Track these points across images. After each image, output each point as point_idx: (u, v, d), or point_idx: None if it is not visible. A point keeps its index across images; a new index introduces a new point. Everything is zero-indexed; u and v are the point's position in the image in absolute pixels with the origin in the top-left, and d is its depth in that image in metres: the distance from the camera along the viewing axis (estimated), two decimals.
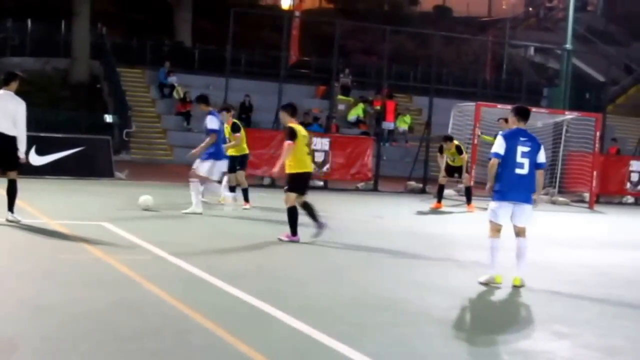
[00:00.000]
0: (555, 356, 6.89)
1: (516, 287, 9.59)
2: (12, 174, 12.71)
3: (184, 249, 10.95)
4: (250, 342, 6.56)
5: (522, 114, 10.13)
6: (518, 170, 9.75)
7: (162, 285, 8.45)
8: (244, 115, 32.69)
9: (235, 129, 16.56)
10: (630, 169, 26.96)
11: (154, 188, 15.47)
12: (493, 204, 9.92)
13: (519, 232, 9.97)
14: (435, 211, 19.76)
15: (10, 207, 12.52)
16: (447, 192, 24.03)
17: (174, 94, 33.45)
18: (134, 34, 37.78)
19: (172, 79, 33.72)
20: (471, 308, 8.52)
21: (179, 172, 23.77)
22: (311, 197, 20.47)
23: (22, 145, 12.61)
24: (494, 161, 9.86)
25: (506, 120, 20.98)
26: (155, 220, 13.75)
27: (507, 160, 9.76)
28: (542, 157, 10.00)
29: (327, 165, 24.08)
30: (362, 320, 7.66)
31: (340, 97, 35.10)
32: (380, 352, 6.54)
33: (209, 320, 7.15)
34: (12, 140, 12.50)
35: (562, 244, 14.86)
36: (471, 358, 6.69)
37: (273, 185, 23.64)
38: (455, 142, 20.56)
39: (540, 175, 10.08)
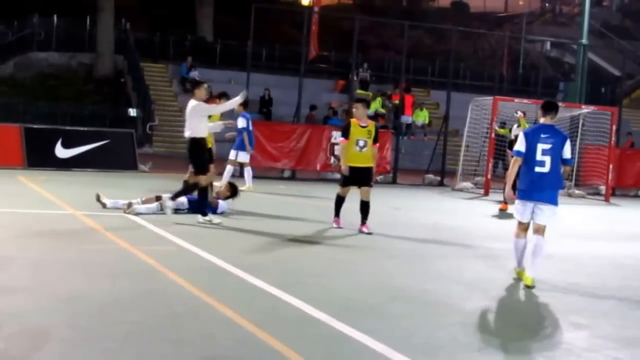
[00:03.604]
0: (574, 346, 6.84)
1: (528, 288, 9.05)
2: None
3: (206, 240, 10.97)
4: (271, 331, 6.55)
5: (545, 108, 9.63)
6: (538, 169, 9.28)
7: (185, 276, 8.45)
8: (265, 109, 32.73)
9: None
10: None
11: (176, 180, 15.47)
12: (517, 203, 9.58)
13: (537, 230, 9.39)
14: (452, 203, 19.71)
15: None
16: (463, 184, 23.99)
17: None
18: (156, 30, 37.85)
19: (194, 74, 33.76)
20: (488, 299, 8.46)
21: None
22: (330, 190, 20.53)
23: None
24: (515, 160, 9.56)
25: (524, 114, 20.88)
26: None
27: (528, 158, 9.34)
28: (567, 153, 9.46)
29: None
30: (381, 310, 7.63)
31: (359, 91, 35.03)
32: (400, 342, 6.50)
33: (231, 310, 7.15)
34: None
35: (579, 236, 14.78)
36: (490, 347, 6.65)
37: (293, 177, 23.65)
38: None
39: (565, 171, 9.71)
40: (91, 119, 28.94)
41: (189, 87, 33.66)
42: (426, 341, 6.72)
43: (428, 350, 6.43)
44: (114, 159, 21.82)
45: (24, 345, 5.96)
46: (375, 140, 13.02)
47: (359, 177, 12.96)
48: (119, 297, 7.52)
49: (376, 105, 34.96)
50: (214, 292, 7.80)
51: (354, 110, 13.38)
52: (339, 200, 13.32)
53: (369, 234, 12.75)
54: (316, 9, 34.74)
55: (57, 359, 5.76)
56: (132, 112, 31.76)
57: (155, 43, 37.08)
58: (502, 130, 22.32)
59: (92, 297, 7.43)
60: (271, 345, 6.25)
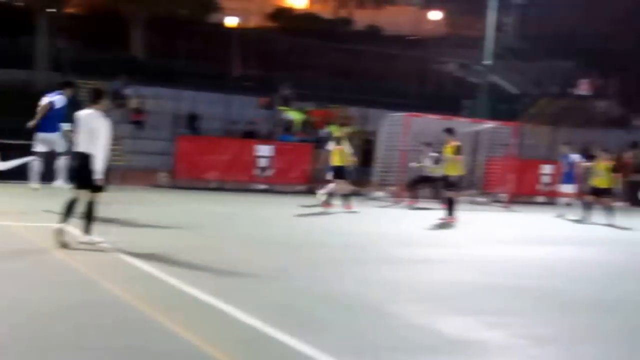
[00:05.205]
0: (490, 345, 6.77)
1: None
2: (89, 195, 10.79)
3: (141, 249, 10.58)
4: (205, 338, 6.31)
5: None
6: None
7: (121, 285, 8.13)
8: (193, 124, 32.30)
9: None
10: (542, 172, 27.44)
11: (109, 192, 15.05)
12: None
13: None
14: (368, 210, 19.67)
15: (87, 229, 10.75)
16: (377, 193, 23.99)
17: (130, 103, 32.88)
18: (91, 48, 37.22)
19: (127, 90, 33.16)
20: (411, 301, 8.35)
21: (133, 176, 23.34)
22: (255, 200, 20.30)
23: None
24: None
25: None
26: (112, 222, 13.31)
27: None
28: None
29: (270, 170, 23.87)
30: (313, 315, 7.45)
31: (281, 107, 34.82)
32: (333, 346, 6.32)
33: (168, 318, 6.87)
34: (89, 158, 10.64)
35: (486, 240, 14.86)
36: (415, 349, 6.53)
37: (220, 188, 23.34)
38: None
39: None
40: (27, 133, 28.10)
41: (121, 102, 33.12)
42: (362, 343, 6.54)
43: (358, 353, 6.26)
44: (49, 170, 21.17)
45: None
46: None
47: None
48: (58, 306, 7.16)
49: (297, 116, 34.67)
50: (150, 301, 7.50)
51: None
52: None
53: None
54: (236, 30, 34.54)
55: None
56: (67, 126, 30.97)
57: (89, 61, 36.36)
58: (420, 165, 22.58)
59: (33, 307, 7.05)
60: (205, 351, 6.00)
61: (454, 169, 18.10)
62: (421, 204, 21.95)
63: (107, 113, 11.08)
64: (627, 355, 6.91)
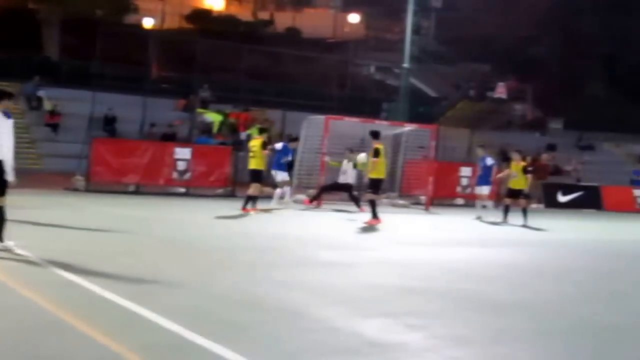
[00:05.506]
0: (410, 347, 6.86)
1: None
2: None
3: (57, 254, 10.36)
4: (124, 343, 6.21)
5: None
6: None
7: (36, 290, 7.94)
8: (108, 126, 31.86)
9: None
10: (461, 174, 27.86)
11: (24, 195, 14.71)
12: None
13: None
14: (288, 214, 19.70)
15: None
16: (298, 196, 24.02)
17: (44, 105, 32.22)
18: (2, 48, 36.27)
19: (41, 92, 32.49)
20: (329, 304, 8.39)
21: (48, 180, 22.89)
22: (173, 203, 20.14)
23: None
24: None
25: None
26: (27, 226, 13.01)
27: None
28: None
29: (189, 174, 23.68)
30: (232, 319, 7.41)
31: (199, 110, 34.62)
32: (252, 350, 6.31)
33: (85, 324, 6.75)
34: None
35: (406, 243, 15.04)
36: (335, 350, 6.56)
37: (137, 192, 23.04)
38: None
39: None
40: None
41: (34, 105, 32.42)
42: (276, 347, 6.55)
43: (278, 357, 6.27)
44: None
45: None
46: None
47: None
48: None
49: (216, 118, 34.50)
50: (64, 306, 7.35)
51: None
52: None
53: None
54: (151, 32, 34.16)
55: None
56: None
57: (1, 62, 35.47)
58: (333, 163, 22.72)
59: None
60: (124, 356, 5.92)
61: (374, 171, 18.25)
62: (340, 206, 22.12)
63: (16, 115, 10.79)
64: (544, 355, 7.08)
